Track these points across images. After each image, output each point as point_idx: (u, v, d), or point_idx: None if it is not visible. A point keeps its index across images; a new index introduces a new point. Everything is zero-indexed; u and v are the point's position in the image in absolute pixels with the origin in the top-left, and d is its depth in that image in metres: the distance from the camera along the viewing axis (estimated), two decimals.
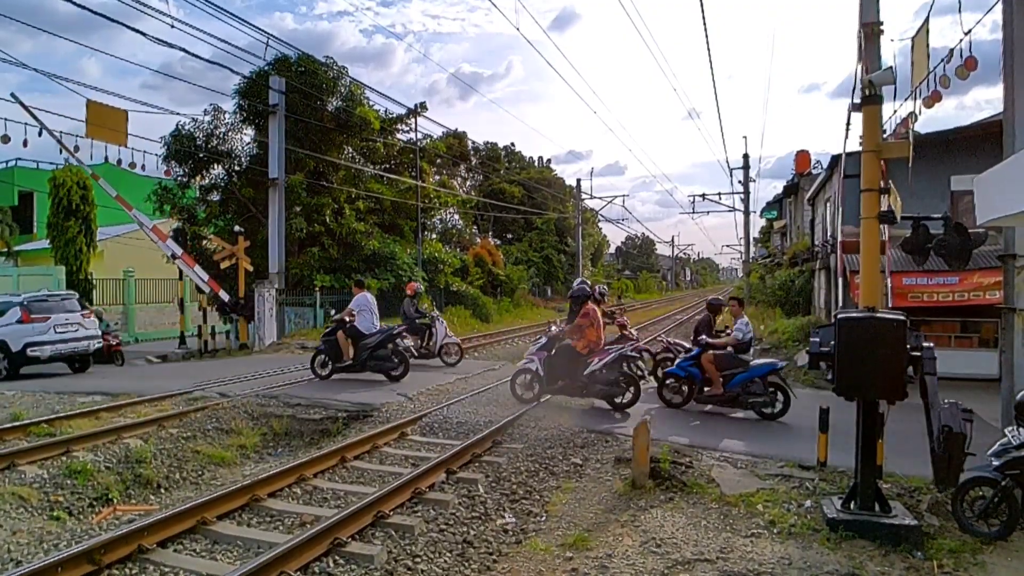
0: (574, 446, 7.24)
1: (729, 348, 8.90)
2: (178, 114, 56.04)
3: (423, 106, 26.06)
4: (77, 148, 14.72)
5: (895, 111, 8.24)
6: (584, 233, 47.79)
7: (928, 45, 6.39)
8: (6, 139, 13.61)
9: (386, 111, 25.08)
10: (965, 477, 4.94)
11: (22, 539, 4.84)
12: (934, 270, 11.11)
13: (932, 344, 4.99)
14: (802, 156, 26.26)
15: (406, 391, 10.07)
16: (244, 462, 7.52)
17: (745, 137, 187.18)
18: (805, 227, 25.46)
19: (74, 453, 6.49)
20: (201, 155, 20.71)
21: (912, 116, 6.96)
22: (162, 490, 6.51)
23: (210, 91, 50.37)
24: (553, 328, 9.65)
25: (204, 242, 20.79)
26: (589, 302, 9.32)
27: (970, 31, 6.76)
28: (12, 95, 13.42)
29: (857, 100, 5.25)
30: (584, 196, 45.81)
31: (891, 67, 5.17)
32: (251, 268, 18.24)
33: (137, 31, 14.76)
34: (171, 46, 14.95)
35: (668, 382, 9.29)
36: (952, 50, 6.91)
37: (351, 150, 24.38)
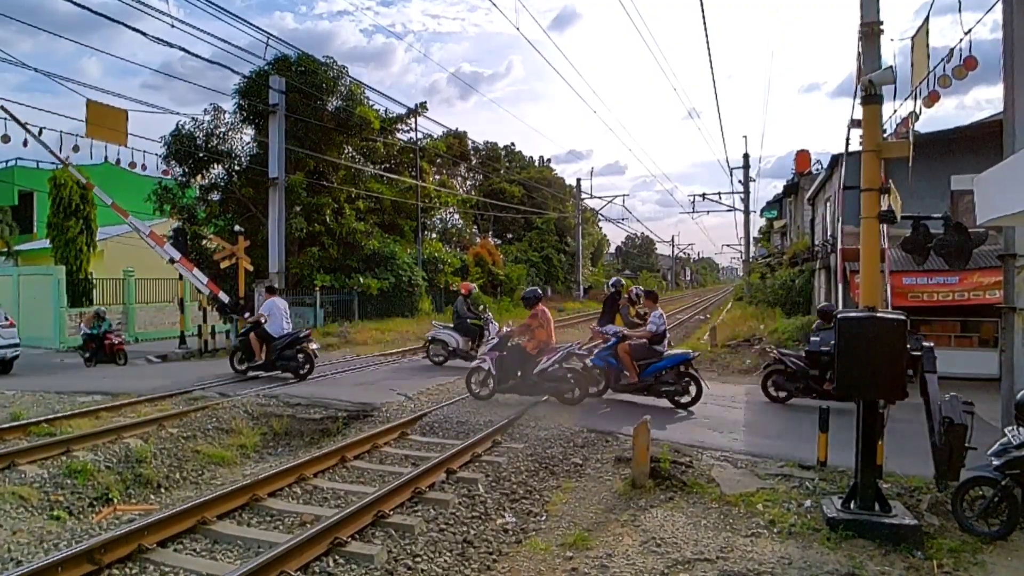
0: (574, 446, 7.24)
1: (644, 339, 9.37)
2: (178, 114, 56.08)
3: (423, 106, 26.08)
4: (77, 148, 14.67)
5: (895, 111, 8.24)
6: (584, 233, 47.81)
7: (928, 45, 6.38)
8: (6, 139, 13.60)
9: (386, 111, 25.10)
10: (965, 477, 4.94)
11: (22, 539, 4.84)
12: (934, 270, 11.11)
13: (932, 344, 4.99)
14: (802, 156, 26.26)
15: (406, 391, 10.08)
16: (244, 462, 7.52)
17: (745, 137, 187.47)
18: (805, 227, 25.46)
19: (74, 453, 6.49)
20: (201, 155, 20.70)
21: (912, 116, 6.95)
22: (162, 490, 6.51)
23: (210, 91, 50.48)
24: (505, 329, 10.06)
25: (204, 242, 20.79)
26: (540, 304, 9.73)
27: (970, 31, 6.75)
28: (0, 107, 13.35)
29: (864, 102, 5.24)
30: (584, 196, 45.85)
31: (891, 67, 5.17)
32: (251, 268, 18.22)
33: (137, 31, 14.75)
34: (171, 46, 14.98)
35: (592, 372, 9.63)
36: (952, 50, 6.90)
37: (351, 150, 24.39)
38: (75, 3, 11.49)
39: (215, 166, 21.66)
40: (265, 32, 16.55)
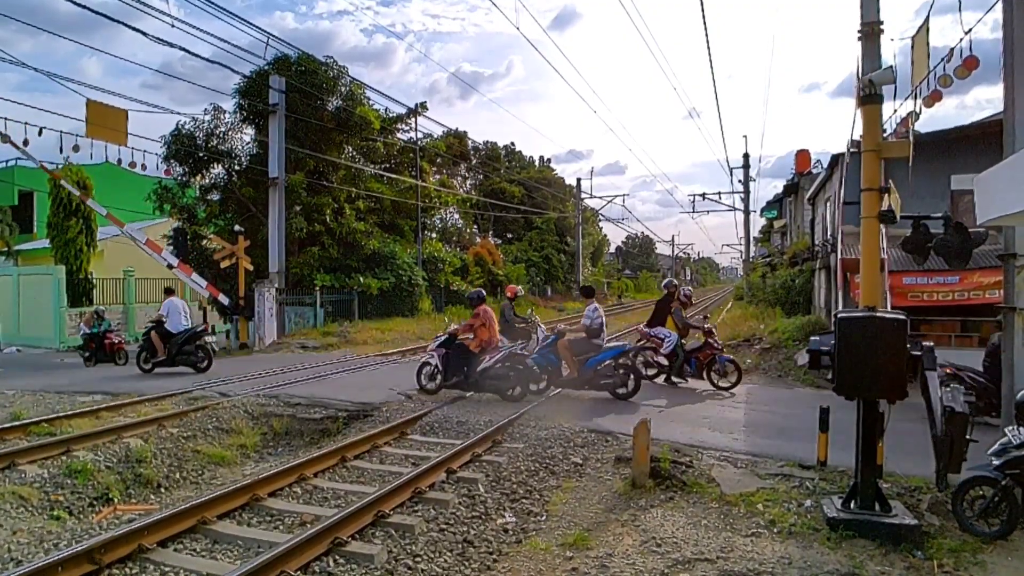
0: (574, 446, 7.24)
1: (582, 334, 9.66)
2: (178, 114, 56.13)
3: (423, 106, 26.08)
4: (77, 147, 14.68)
5: (895, 110, 8.24)
6: (584, 232, 47.82)
7: (928, 44, 6.38)
8: (6, 139, 13.60)
9: (386, 110, 25.10)
10: (965, 477, 4.94)
11: (22, 538, 4.84)
12: (934, 269, 11.11)
13: (932, 344, 4.99)
14: (802, 155, 26.25)
15: (406, 391, 10.08)
16: (244, 461, 7.52)
17: (745, 136, 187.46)
18: (805, 226, 25.45)
19: (74, 452, 6.49)
20: (201, 154, 20.70)
21: (912, 116, 6.95)
22: (162, 489, 6.52)
23: (210, 91, 50.57)
24: (453, 327, 10.37)
25: (204, 241, 20.79)
26: (485, 304, 10.16)
27: (970, 30, 6.75)
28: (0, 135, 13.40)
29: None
30: (584, 195, 45.85)
31: (891, 66, 5.17)
32: (251, 267, 18.24)
33: (137, 31, 14.78)
34: (171, 45, 15.02)
35: (534, 369, 9.84)
36: (952, 49, 6.90)
37: (351, 149, 24.38)
38: (75, 3, 11.50)
39: (215, 166, 21.65)
40: (265, 32, 16.65)
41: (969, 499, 4.92)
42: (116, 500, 5.99)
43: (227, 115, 21.40)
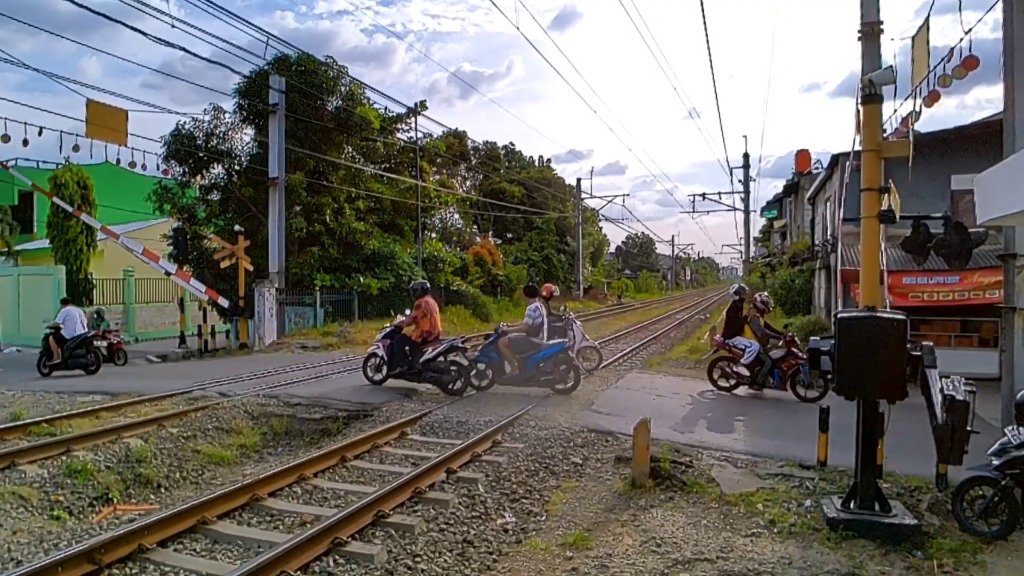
0: (574, 446, 7.24)
1: (523, 333, 9.99)
2: (178, 113, 56.08)
3: (423, 105, 26.05)
4: (77, 147, 14.68)
5: (895, 110, 8.24)
6: (584, 232, 47.79)
7: (928, 44, 6.39)
8: (6, 139, 13.60)
9: (386, 110, 25.07)
10: (965, 476, 4.94)
11: (22, 538, 4.84)
12: (934, 269, 11.11)
13: (932, 343, 4.99)
14: (802, 155, 26.24)
15: (406, 391, 10.08)
16: (244, 462, 7.52)
17: (745, 136, 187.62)
18: (805, 226, 25.45)
19: (74, 452, 6.49)
20: (201, 154, 20.69)
21: (912, 115, 6.95)
22: (162, 489, 6.51)
23: (210, 90, 50.60)
24: (399, 319, 10.72)
25: (204, 241, 20.79)
26: (427, 296, 10.49)
27: (970, 30, 6.75)
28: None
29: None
30: (584, 195, 45.84)
31: (891, 66, 5.17)
32: (251, 267, 18.24)
33: (137, 30, 14.73)
34: (171, 45, 15.02)
35: (477, 367, 10.15)
36: (952, 49, 6.90)
37: (351, 149, 24.37)
38: (75, 3, 11.49)
39: (215, 166, 21.62)
40: (265, 32, 16.63)
41: (969, 499, 4.92)
42: (116, 500, 5.98)
43: (227, 115, 21.39)
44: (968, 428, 4.45)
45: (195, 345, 17.51)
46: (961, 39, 6.77)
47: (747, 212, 34.74)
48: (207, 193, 22.01)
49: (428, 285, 10.99)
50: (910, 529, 4.65)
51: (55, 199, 17.75)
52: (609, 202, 47.99)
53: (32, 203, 29.87)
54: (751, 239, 37.18)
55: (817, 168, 25.00)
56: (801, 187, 26.86)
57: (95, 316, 14.64)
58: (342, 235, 22.13)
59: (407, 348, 10.07)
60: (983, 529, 4.77)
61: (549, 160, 72.85)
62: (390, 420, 8.27)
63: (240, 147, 21.71)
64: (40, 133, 14.05)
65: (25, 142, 13.87)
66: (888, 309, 5.25)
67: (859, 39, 6.41)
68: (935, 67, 6.82)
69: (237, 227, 18.76)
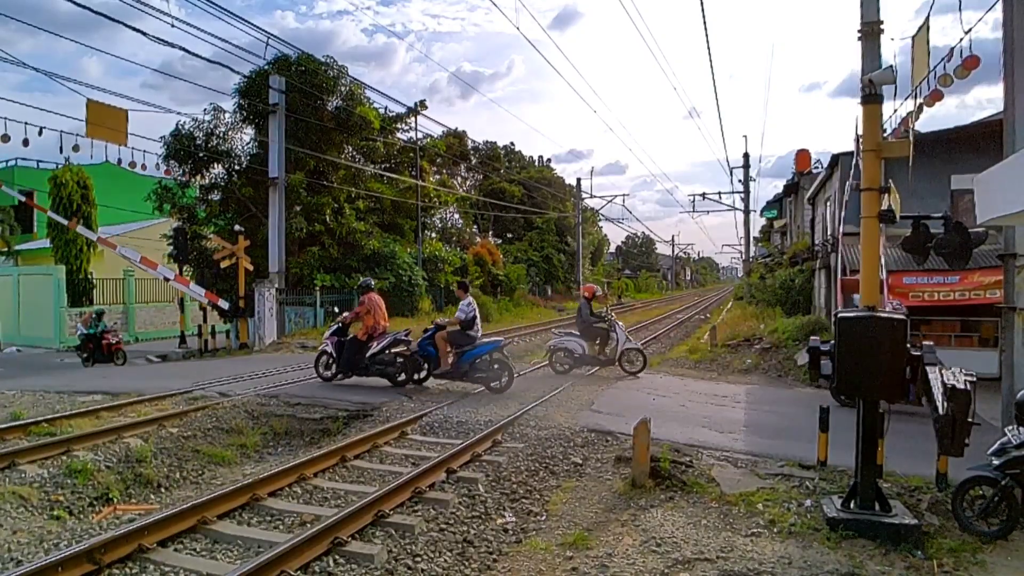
0: (574, 445, 7.24)
1: (457, 327, 10.21)
2: (178, 113, 56.11)
3: (423, 104, 26.07)
4: (77, 147, 14.68)
5: (895, 110, 8.24)
6: (584, 232, 47.79)
7: (928, 43, 6.39)
8: (6, 138, 13.60)
9: (386, 110, 25.10)
10: (965, 476, 4.94)
11: (22, 538, 4.84)
12: (934, 269, 11.11)
13: (932, 343, 4.99)
14: (802, 155, 26.24)
15: (406, 391, 10.09)
16: (244, 461, 7.52)
17: (745, 136, 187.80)
18: (805, 226, 25.45)
19: (74, 452, 6.48)
20: (201, 154, 20.70)
21: (912, 115, 6.95)
22: (162, 489, 6.51)
23: (210, 90, 50.66)
24: (345, 315, 11.04)
25: (204, 241, 20.80)
26: (372, 292, 10.78)
27: (970, 30, 6.75)
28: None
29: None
30: (584, 195, 45.83)
31: (891, 66, 5.17)
32: (251, 267, 18.25)
33: (138, 30, 14.72)
34: (171, 45, 15.05)
35: (416, 359, 10.39)
36: (953, 49, 6.90)
37: (351, 149, 24.38)
38: (75, 3, 11.50)
39: (215, 166, 21.64)
40: (265, 32, 16.62)
41: (969, 499, 4.92)
42: (116, 500, 5.98)
43: (227, 115, 21.40)
44: (969, 420, 4.38)
45: (195, 345, 17.51)
46: (961, 39, 6.77)
47: (747, 212, 34.80)
48: (207, 193, 22.02)
49: (372, 283, 11.33)
50: (910, 529, 4.65)
51: (50, 214, 17.85)
52: (609, 202, 48.06)
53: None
54: (751, 239, 37.22)
55: (817, 168, 24.99)
56: (801, 187, 26.86)
57: (94, 316, 14.66)
58: (342, 235, 22.13)
59: (354, 345, 10.37)
60: (983, 529, 4.77)
61: (549, 160, 72.93)
62: (390, 420, 8.27)
63: (240, 147, 21.75)
64: (40, 133, 14.05)
65: (25, 142, 13.87)
66: (888, 309, 5.25)
67: (859, 39, 6.43)
68: (935, 67, 6.82)
69: (237, 227, 18.77)
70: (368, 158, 24.92)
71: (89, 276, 20.32)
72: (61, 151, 14.58)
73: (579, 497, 5.76)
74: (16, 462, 6.05)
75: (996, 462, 4.83)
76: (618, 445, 7.19)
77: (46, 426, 7.46)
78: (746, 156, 34.67)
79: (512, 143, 68.54)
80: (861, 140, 5.20)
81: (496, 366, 10.10)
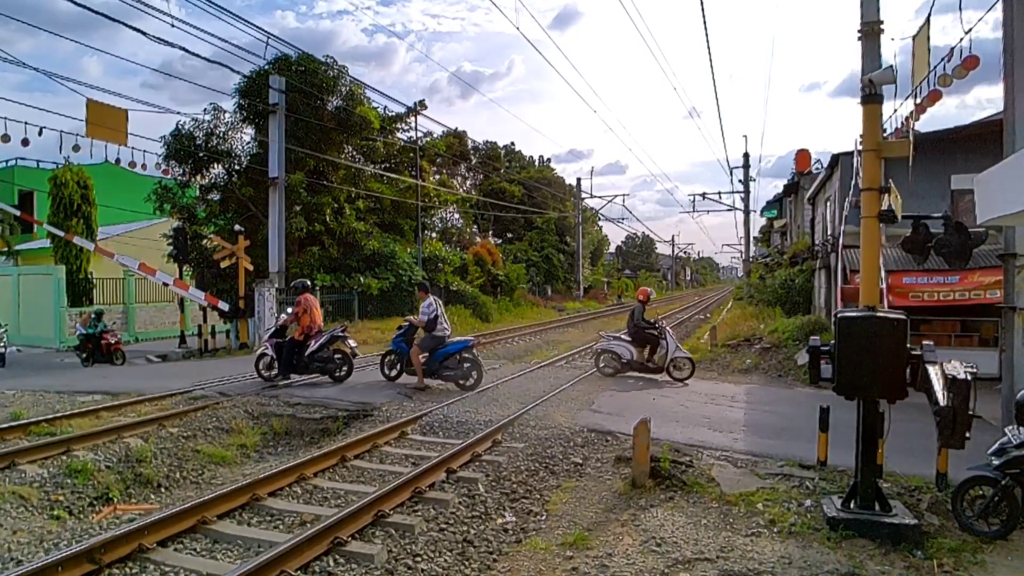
0: (574, 445, 7.24)
1: (423, 328, 10.45)
2: (178, 113, 56.08)
3: (422, 104, 26.07)
4: (77, 147, 14.67)
5: (895, 110, 8.24)
6: (584, 232, 47.81)
7: (929, 43, 6.39)
8: (6, 139, 13.59)
9: (386, 110, 25.09)
10: (965, 476, 4.94)
11: (22, 538, 4.84)
12: (934, 269, 11.11)
13: (932, 343, 4.99)
14: (802, 155, 26.23)
15: (406, 391, 10.08)
16: (244, 461, 7.52)
17: (745, 136, 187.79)
18: (805, 226, 25.44)
19: (74, 452, 6.49)
20: (201, 154, 20.70)
21: (912, 115, 6.95)
22: (162, 489, 6.51)
23: (210, 90, 50.65)
24: (282, 317, 11.34)
25: (204, 241, 20.79)
26: (307, 293, 11.05)
27: (970, 30, 6.75)
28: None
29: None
30: (584, 195, 45.86)
31: (891, 66, 5.17)
32: (251, 267, 18.23)
33: (138, 30, 14.64)
34: (171, 45, 15.03)
35: (389, 358, 10.83)
36: (953, 49, 6.89)
37: (351, 149, 24.39)
38: (75, 3, 11.49)
39: (215, 166, 21.64)
40: (265, 32, 16.57)
41: (969, 499, 4.92)
42: (116, 500, 5.98)
43: (227, 115, 21.40)
44: (970, 412, 4.34)
45: (195, 345, 17.50)
46: (961, 39, 6.77)
47: (747, 212, 34.83)
48: (207, 193, 22.01)
49: (308, 283, 11.61)
50: (910, 529, 4.65)
51: (47, 226, 17.88)
52: (609, 202, 48.08)
53: (32, 203, 29.84)
54: (751, 239, 37.24)
55: (817, 168, 24.99)
56: (801, 187, 26.86)
57: (93, 316, 14.64)
58: (342, 235, 22.13)
59: (293, 344, 10.65)
60: (983, 529, 4.77)
61: (549, 160, 72.86)
62: (390, 420, 8.27)
63: (240, 147, 21.75)
64: (40, 133, 14.03)
65: (25, 142, 13.85)
66: (887, 309, 5.25)
67: (859, 39, 6.43)
68: (935, 66, 6.82)
69: (237, 227, 18.75)
70: (368, 158, 24.93)
71: (89, 276, 20.30)
72: (61, 151, 14.56)
73: (579, 497, 5.76)
74: (16, 462, 6.05)
75: (996, 462, 4.83)
76: (618, 445, 7.19)
77: (46, 426, 7.46)
78: (746, 156, 34.74)
79: (512, 143, 68.61)
80: (861, 140, 5.20)
81: (466, 364, 10.32)
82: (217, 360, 15.37)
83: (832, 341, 5.00)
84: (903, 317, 4.85)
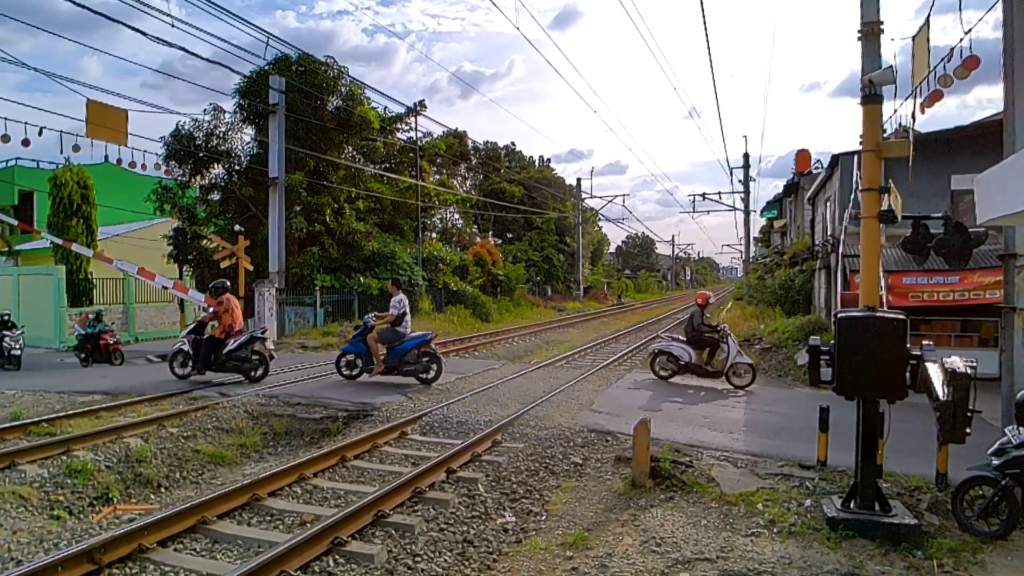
0: (574, 445, 7.24)
1: (388, 324, 10.62)
2: (178, 113, 56.07)
3: (422, 104, 26.08)
4: (77, 147, 14.67)
5: (895, 110, 8.23)
6: (584, 232, 47.79)
7: (929, 43, 6.38)
8: (6, 139, 13.58)
9: (386, 110, 25.09)
10: (965, 476, 4.94)
11: (22, 538, 4.84)
12: (934, 269, 11.11)
13: (931, 343, 4.99)
14: (802, 155, 26.25)
15: (406, 391, 10.09)
16: (244, 461, 7.52)
17: (745, 136, 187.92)
18: (805, 226, 25.45)
19: (74, 452, 6.49)
20: (201, 154, 20.70)
21: (912, 115, 6.94)
22: (162, 489, 6.51)
23: (210, 90, 50.68)
24: (202, 315, 11.45)
25: (204, 241, 20.78)
26: (228, 293, 11.12)
27: (971, 30, 6.74)
28: None
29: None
30: (584, 195, 45.86)
31: (891, 66, 5.17)
32: (251, 267, 18.24)
33: (138, 30, 14.63)
34: (171, 45, 15.05)
35: (347, 359, 10.88)
36: (953, 49, 6.89)
37: (351, 149, 24.38)
38: (75, 3, 11.48)
39: (215, 166, 21.66)
40: (265, 32, 16.57)
41: (969, 499, 4.92)
42: (116, 500, 5.98)
43: (227, 115, 21.42)
44: (970, 407, 4.31)
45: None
46: (962, 39, 6.75)
47: (747, 212, 34.83)
48: (207, 193, 22.02)
49: (228, 283, 11.77)
50: (910, 529, 4.64)
51: (45, 234, 17.89)
52: (609, 202, 48.08)
53: (32, 203, 29.88)
54: (751, 239, 37.25)
55: (817, 168, 25.00)
56: (801, 187, 26.87)
57: (92, 317, 14.62)
58: (342, 235, 22.13)
59: (210, 342, 10.73)
60: (983, 529, 4.77)
61: (549, 160, 72.91)
62: (390, 420, 8.27)
63: (240, 147, 21.76)
64: (40, 133, 14.02)
65: (25, 142, 13.84)
66: (887, 309, 5.25)
67: (859, 39, 6.42)
68: (936, 67, 6.81)
69: (237, 227, 18.76)
70: (368, 158, 24.92)
71: (89, 276, 20.28)
72: (61, 151, 14.56)
73: (579, 497, 5.76)
74: (16, 462, 6.05)
75: (996, 462, 4.83)
76: (618, 445, 7.19)
77: (46, 426, 7.46)
78: (746, 156, 34.76)
79: (512, 143, 68.67)
80: (861, 141, 5.20)
81: (425, 359, 10.54)
82: None
83: (832, 341, 5.00)
84: (903, 317, 4.85)
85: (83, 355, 14.25)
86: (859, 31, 6.38)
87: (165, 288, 16.89)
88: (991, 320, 11.48)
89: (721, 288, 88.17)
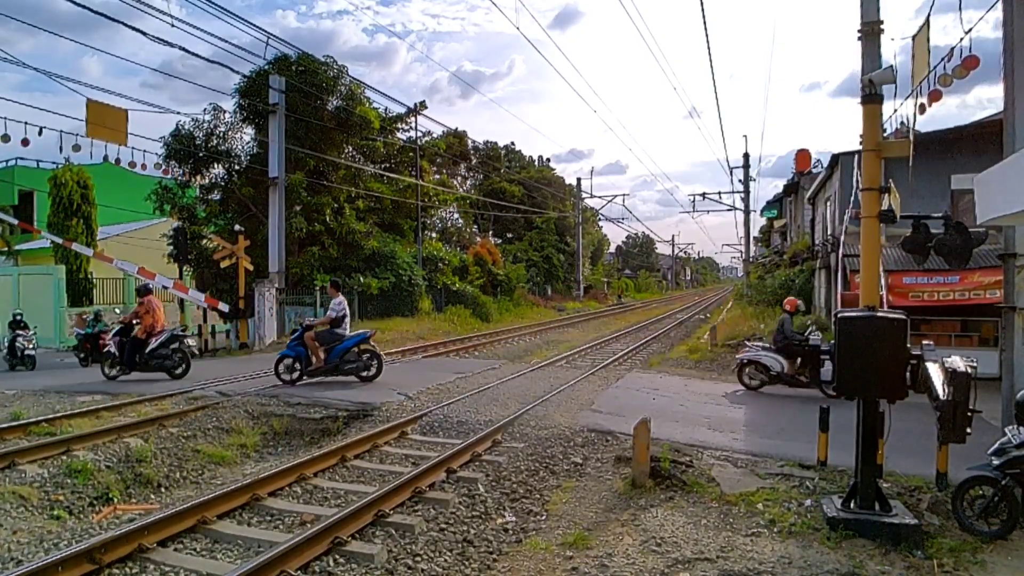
0: (574, 445, 7.24)
1: (327, 326, 10.73)
2: (178, 113, 56.05)
3: (422, 104, 26.09)
4: (77, 147, 14.67)
5: (895, 110, 8.23)
6: (584, 232, 47.82)
7: (929, 42, 6.37)
8: (6, 138, 13.58)
9: (386, 110, 25.10)
10: (965, 476, 4.94)
11: (22, 538, 4.84)
12: (934, 269, 11.10)
13: (931, 342, 4.99)
14: (802, 155, 26.25)
15: (406, 391, 10.08)
16: (244, 461, 7.52)
17: (745, 136, 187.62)
18: (805, 226, 25.45)
19: (74, 452, 6.49)
20: (201, 154, 20.70)
21: (913, 115, 6.94)
22: (162, 489, 6.51)
23: (210, 90, 50.69)
24: (126, 316, 11.71)
25: (204, 241, 20.78)
26: (151, 295, 11.51)
27: (971, 29, 6.73)
28: None
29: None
30: (584, 195, 45.88)
31: (891, 66, 5.17)
32: (251, 267, 18.24)
33: (137, 30, 14.64)
34: (171, 45, 15.07)
35: (285, 363, 10.71)
36: (953, 48, 6.88)
37: (351, 149, 24.39)
38: (75, 3, 11.49)
39: (215, 166, 21.66)
40: (265, 32, 16.64)
41: (969, 499, 4.92)
42: (116, 500, 5.98)
43: (227, 115, 21.42)
44: (970, 406, 4.31)
45: (195, 345, 17.51)
46: (962, 38, 6.75)
47: (747, 212, 34.82)
48: (207, 193, 22.01)
49: (151, 285, 12.34)
50: (910, 529, 4.64)
51: (45, 234, 17.92)
52: (609, 202, 48.09)
53: (32, 203, 29.87)
54: (751, 239, 37.22)
55: (817, 168, 25.01)
56: (801, 187, 26.87)
57: (91, 317, 14.63)
58: (342, 235, 22.13)
59: (134, 343, 11.05)
60: (983, 529, 4.77)
61: (549, 160, 72.95)
62: (390, 420, 8.27)
63: (240, 147, 21.76)
64: (40, 133, 14.02)
65: (25, 142, 13.84)
66: (887, 309, 5.25)
67: (859, 39, 6.42)
68: (936, 66, 6.81)
69: (237, 227, 18.76)
70: (368, 158, 24.93)
71: (89, 276, 20.31)
72: (61, 151, 14.55)
73: (579, 497, 5.76)
74: (16, 462, 6.05)
75: (996, 462, 4.83)
76: (618, 445, 7.19)
77: (46, 426, 7.46)
78: (746, 156, 34.74)
79: (512, 143, 68.66)
80: (861, 140, 5.20)
81: (365, 356, 10.70)
82: (217, 360, 15.38)
83: (832, 341, 4.99)
84: (903, 317, 4.85)
85: (83, 355, 14.26)
86: (859, 31, 6.39)
87: (165, 288, 16.90)
88: (991, 320, 11.48)
89: (721, 288, 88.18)
